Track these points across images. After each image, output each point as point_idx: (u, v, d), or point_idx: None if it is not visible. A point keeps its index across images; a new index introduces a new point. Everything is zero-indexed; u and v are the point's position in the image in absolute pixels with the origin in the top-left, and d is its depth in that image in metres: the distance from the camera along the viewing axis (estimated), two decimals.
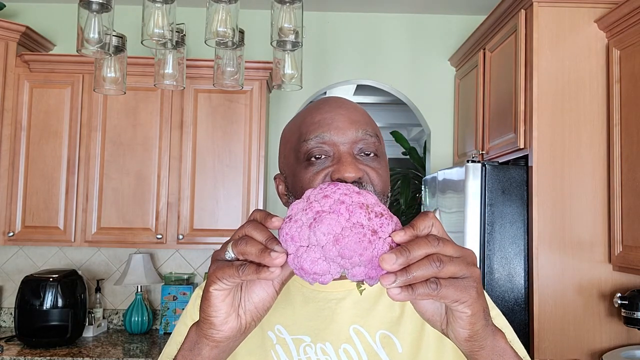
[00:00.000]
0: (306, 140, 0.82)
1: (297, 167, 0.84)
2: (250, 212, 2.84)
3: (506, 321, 0.91)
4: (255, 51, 2.93)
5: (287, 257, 0.59)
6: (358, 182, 0.79)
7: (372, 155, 0.83)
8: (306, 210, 0.61)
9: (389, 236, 0.58)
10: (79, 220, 2.83)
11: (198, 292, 0.93)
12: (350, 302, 0.85)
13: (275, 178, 0.91)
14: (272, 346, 0.84)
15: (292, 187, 0.85)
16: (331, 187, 0.63)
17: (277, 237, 0.61)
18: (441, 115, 3.30)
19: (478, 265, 2.38)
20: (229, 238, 0.66)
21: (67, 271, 2.81)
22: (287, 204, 0.87)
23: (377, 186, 0.81)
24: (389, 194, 0.85)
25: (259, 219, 0.64)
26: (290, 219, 0.61)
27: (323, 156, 0.81)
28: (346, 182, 0.78)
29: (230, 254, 0.63)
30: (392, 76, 3.31)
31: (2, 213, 2.80)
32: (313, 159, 0.81)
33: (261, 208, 0.60)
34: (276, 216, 0.63)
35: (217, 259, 0.64)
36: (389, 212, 0.61)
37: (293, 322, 0.85)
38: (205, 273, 3.09)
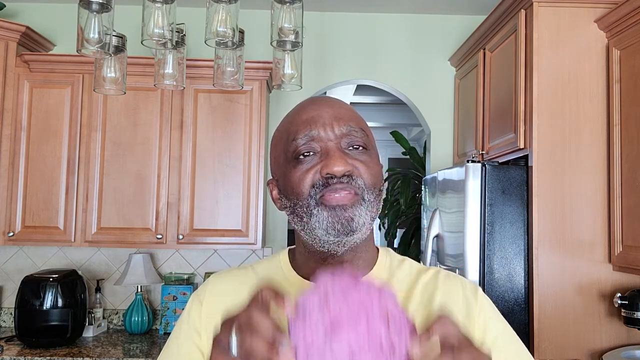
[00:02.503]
0: (295, 139, 0.83)
1: (287, 166, 0.84)
2: (251, 212, 2.84)
3: (512, 333, 0.90)
4: (255, 51, 2.93)
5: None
6: (348, 176, 0.80)
7: (361, 148, 0.83)
8: (322, 307, 0.56)
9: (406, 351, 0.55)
10: (79, 220, 2.83)
11: (193, 299, 0.93)
12: None
13: (268, 183, 0.91)
14: None
15: (283, 189, 0.86)
16: (349, 279, 0.59)
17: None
18: (441, 115, 3.30)
19: (478, 268, 2.35)
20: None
21: (67, 271, 2.80)
22: (281, 207, 0.88)
23: (366, 180, 0.82)
24: (382, 188, 0.85)
25: (267, 301, 0.59)
26: (304, 315, 0.56)
27: (311, 153, 0.82)
28: (336, 176, 0.79)
29: (234, 350, 0.58)
30: (392, 76, 3.31)
31: (2, 213, 2.80)
32: (301, 156, 0.82)
33: (269, 287, 0.56)
34: (287, 297, 0.58)
35: (219, 346, 0.60)
36: (405, 315, 0.58)
37: None
38: (206, 273, 3.09)
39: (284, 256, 0.94)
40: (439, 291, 0.87)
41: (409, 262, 0.94)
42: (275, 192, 0.89)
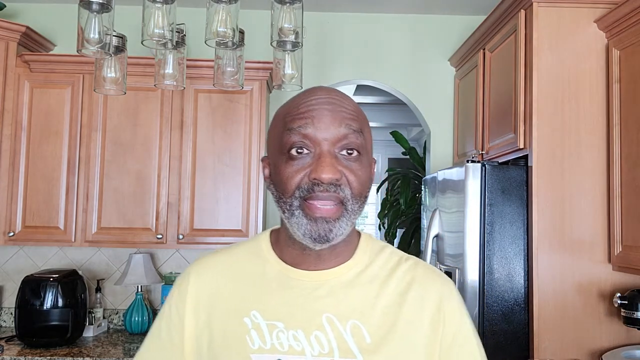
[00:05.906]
0: (289, 129, 0.84)
1: (279, 158, 0.86)
2: (251, 212, 2.84)
3: (474, 333, 0.92)
4: (255, 51, 2.93)
5: None
6: (335, 184, 0.81)
7: (355, 153, 0.84)
8: None
9: None
10: (79, 220, 2.83)
11: (174, 292, 0.96)
12: (324, 291, 0.87)
13: (262, 160, 0.93)
14: (247, 331, 0.86)
15: (273, 177, 0.88)
16: None
17: None
18: (441, 115, 3.30)
19: (478, 268, 2.36)
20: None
21: (67, 271, 2.80)
22: (269, 189, 0.90)
23: (354, 189, 0.83)
24: (367, 194, 0.87)
25: None
26: None
27: (305, 151, 0.83)
28: (323, 183, 0.80)
29: None
30: (392, 76, 3.31)
31: (3, 213, 2.80)
32: (294, 152, 0.83)
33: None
34: None
35: None
36: None
37: (268, 308, 0.87)
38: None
39: (265, 240, 0.95)
40: (415, 281, 0.90)
41: (389, 249, 0.95)
42: (267, 172, 0.91)
